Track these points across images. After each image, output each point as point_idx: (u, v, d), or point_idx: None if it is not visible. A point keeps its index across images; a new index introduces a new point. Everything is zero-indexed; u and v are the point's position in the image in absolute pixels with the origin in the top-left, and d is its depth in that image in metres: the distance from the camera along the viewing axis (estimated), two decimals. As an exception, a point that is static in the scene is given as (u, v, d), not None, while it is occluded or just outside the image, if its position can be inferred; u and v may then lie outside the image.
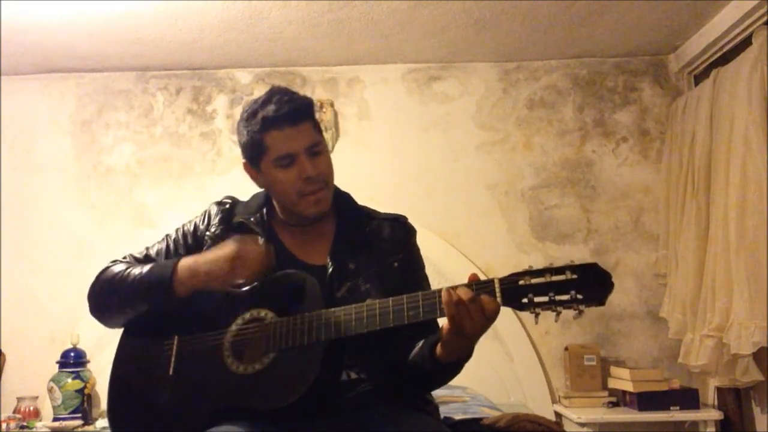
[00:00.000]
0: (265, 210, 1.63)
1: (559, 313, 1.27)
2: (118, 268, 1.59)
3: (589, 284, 1.26)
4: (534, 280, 1.29)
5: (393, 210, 1.72)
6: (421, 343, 1.47)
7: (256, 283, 1.50)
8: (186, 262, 1.51)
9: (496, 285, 1.31)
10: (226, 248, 1.50)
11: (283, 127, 1.52)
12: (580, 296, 1.26)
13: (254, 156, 1.57)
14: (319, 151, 1.55)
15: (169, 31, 3.11)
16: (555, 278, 1.28)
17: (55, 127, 3.54)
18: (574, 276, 1.27)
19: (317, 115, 1.67)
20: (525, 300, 1.29)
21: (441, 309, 1.32)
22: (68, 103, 3.56)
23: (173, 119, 3.56)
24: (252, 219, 1.60)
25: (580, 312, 1.27)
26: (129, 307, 1.56)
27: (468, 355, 1.42)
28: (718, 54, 3.14)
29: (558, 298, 1.26)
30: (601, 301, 1.26)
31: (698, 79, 3.37)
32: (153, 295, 1.51)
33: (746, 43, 2.84)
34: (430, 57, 3.50)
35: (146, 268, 1.54)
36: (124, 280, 1.54)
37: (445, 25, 3.12)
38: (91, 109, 3.56)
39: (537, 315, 1.29)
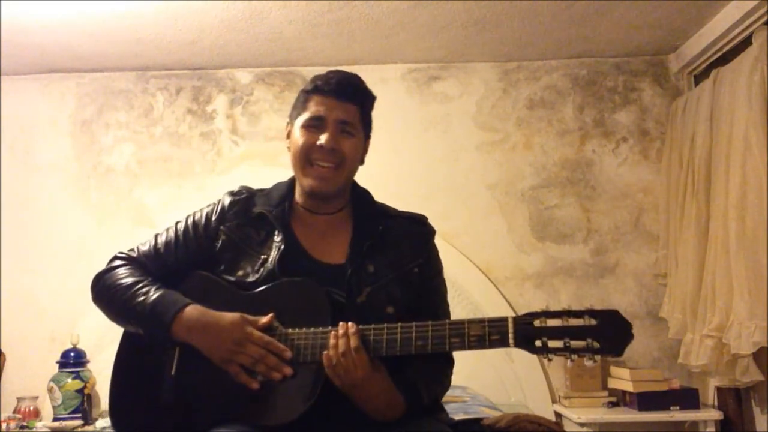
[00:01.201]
0: (287, 204, 1.59)
1: (573, 361, 1.24)
2: (126, 278, 1.53)
3: (608, 333, 1.22)
4: (550, 322, 1.24)
5: (393, 210, 1.71)
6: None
7: (264, 288, 1.47)
8: (190, 315, 1.43)
9: (510, 325, 1.27)
10: (231, 324, 1.40)
11: (329, 95, 1.54)
12: (596, 345, 1.22)
13: (294, 115, 1.60)
14: (350, 132, 1.55)
15: (169, 31, 3.11)
16: (572, 322, 1.24)
17: (55, 127, 3.54)
18: (593, 321, 1.23)
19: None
20: (539, 343, 1.24)
21: (450, 343, 1.30)
22: (68, 103, 3.56)
23: (173, 119, 3.56)
24: (273, 212, 1.56)
25: (595, 361, 1.23)
26: (126, 325, 1.54)
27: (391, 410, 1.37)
28: (718, 54, 3.14)
29: (573, 344, 1.22)
30: (618, 352, 1.22)
31: (698, 79, 3.37)
32: (150, 330, 1.47)
33: (746, 43, 2.84)
34: (430, 57, 3.50)
35: (152, 297, 1.46)
36: (127, 302, 1.49)
37: (445, 25, 3.12)
38: (91, 109, 3.56)
39: (550, 360, 1.25)
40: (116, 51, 3.31)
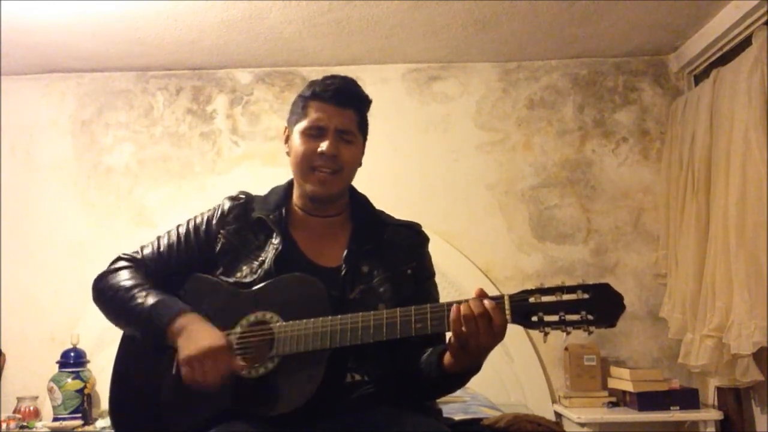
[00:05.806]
0: (284, 209, 1.62)
1: (568, 333, 1.27)
2: (127, 280, 1.54)
3: (601, 305, 1.26)
4: (545, 299, 1.28)
5: (393, 210, 1.72)
6: (429, 351, 1.46)
7: (263, 284, 1.49)
8: (183, 322, 1.43)
9: (506, 301, 1.29)
10: (216, 342, 1.38)
11: (328, 102, 1.56)
12: (590, 317, 1.26)
13: (292, 120, 1.61)
14: (349, 140, 1.57)
15: (169, 31, 3.11)
16: (566, 297, 1.27)
17: (55, 127, 3.54)
18: (586, 296, 1.27)
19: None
20: (535, 318, 1.28)
21: (449, 323, 1.31)
22: (68, 103, 3.56)
23: (173, 119, 3.56)
24: (271, 216, 1.59)
25: (590, 332, 1.26)
26: (123, 326, 1.56)
27: (477, 368, 1.42)
28: (718, 54, 3.14)
29: (568, 318, 1.26)
30: (612, 323, 1.26)
31: (698, 79, 3.37)
32: (146, 333, 1.48)
33: (746, 43, 2.84)
34: (430, 57, 3.50)
35: (150, 300, 1.48)
36: (126, 303, 1.50)
37: (445, 25, 3.12)
38: (91, 109, 3.56)
39: (546, 334, 1.28)
40: (116, 51, 3.31)
